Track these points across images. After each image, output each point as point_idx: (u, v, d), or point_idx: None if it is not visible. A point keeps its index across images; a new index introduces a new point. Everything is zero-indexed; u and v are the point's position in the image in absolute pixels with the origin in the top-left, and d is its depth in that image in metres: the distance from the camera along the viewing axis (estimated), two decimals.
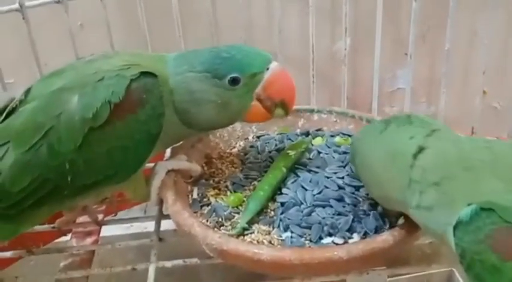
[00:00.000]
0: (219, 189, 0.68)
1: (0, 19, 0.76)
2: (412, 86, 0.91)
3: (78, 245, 0.76)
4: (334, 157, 0.69)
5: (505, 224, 0.44)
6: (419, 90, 1.01)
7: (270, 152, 0.72)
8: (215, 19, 0.87)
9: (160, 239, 0.69)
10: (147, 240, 0.70)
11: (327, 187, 0.64)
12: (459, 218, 0.46)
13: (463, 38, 0.96)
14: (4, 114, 0.62)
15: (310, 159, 0.69)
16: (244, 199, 0.65)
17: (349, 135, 0.74)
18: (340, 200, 0.62)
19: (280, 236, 0.60)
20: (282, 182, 0.66)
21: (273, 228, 0.61)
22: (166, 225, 0.72)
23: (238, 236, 0.60)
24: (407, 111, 0.62)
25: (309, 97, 0.91)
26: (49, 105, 0.59)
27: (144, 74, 0.61)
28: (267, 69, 0.63)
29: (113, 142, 0.59)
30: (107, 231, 0.86)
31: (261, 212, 0.63)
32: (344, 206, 0.62)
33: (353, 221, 0.60)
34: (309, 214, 0.61)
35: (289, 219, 0.61)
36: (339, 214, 0.61)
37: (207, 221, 0.63)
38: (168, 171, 0.67)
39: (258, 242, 0.59)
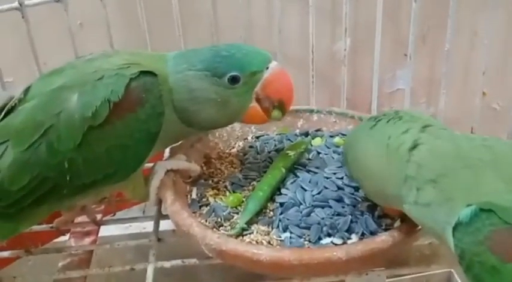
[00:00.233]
0: (218, 190, 0.68)
1: (0, 18, 0.75)
2: (411, 86, 0.91)
3: (76, 245, 0.76)
4: (333, 157, 0.69)
5: (505, 225, 0.43)
6: (418, 90, 1.01)
7: (269, 152, 0.72)
8: (215, 19, 0.87)
9: (159, 239, 0.69)
10: (146, 240, 0.70)
11: (326, 187, 0.64)
12: (459, 219, 0.46)
13: (463, 39, 0.96)
14: (3, 113, 0.62)
15: (309, 159, 0.69)
16: (244, 199, 0.65)
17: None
18: (339, 200, 0.62)
19: (279, 237, 0.60)
20: (281, 183, 0.66)
21: (272, 228, 0.61)
22: (165, 225, 0.72)
23: (237, 236, 0.60)
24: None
25: (309, 97, 0.91)
26: (48, 104, 0.59)
27: (144, 73, 0.61)
28: (267, 68, 0.63)
29: (112, 141, 0.59)
30: (105, 231, 0.86)
31: (260, 212, 0.63)
32: (343, 207, 0.62)
33: (352, 221, 0.60)
34: (308, 214, 0.61)
35: (288, 219, 0.61)
36: (338, 214, 0.61)
37: (206, 221, 0.63)
38: (167, 171, 0.67)
39: (257, 242, 0.59)
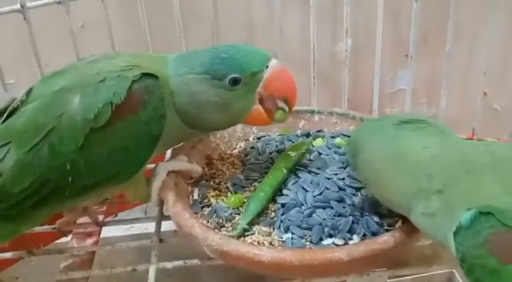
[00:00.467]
0: (220, 190, 0.68)
1: (2, 20, 0.76)
2: (412, 87, 0.91)
3: (78, 245, 0.76)
4: (334, 158, 0.69)
5: (504, 228, 0.44)
6: (420, 91, 1.01)
7: (270, 153, 0.72)
8: (216, 19, 0.87)
9: (160, 240, 0.69)
10: (148, 241, 0.70)
11: (327, 188, 0.64)
12: (460, 223, 0.46)
13: (463, 39, 0.96)
14: (5, 115, 0.62)
15: (310, 160, 0.69)
16: (245, 200, 0.65)
17: (350, 136, 0.74)
18: (340, 201, 0.62)
19: (281, 237, 0.60)
20: (283, 183, 0.66)
21: (274, 229, 0.61)
22: (166, 226, 0.72)
23: (238, 237, 0.60)
24: (417, 113, 0.61)
25: (310, 98, 0.91)
26: (50, 106, 0.59)
27: (146, 75, 0.61)
28: (267, 67, 0.63)
29: (114, 143, 0.59)
30: (107, 232, 0.86)
31: (262, 213, 0.63)
32: (344, 207, 0.62)
33: (353, 222, 0.60)
34: (310, 215, 0.61)
35: (289, 220, 0.61)
36: (340, 215, 0.61)
37: (208, 222, 0.63)
38: (169, 172, 0.67)
39: (258, 243, 0.59)
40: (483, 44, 0.86)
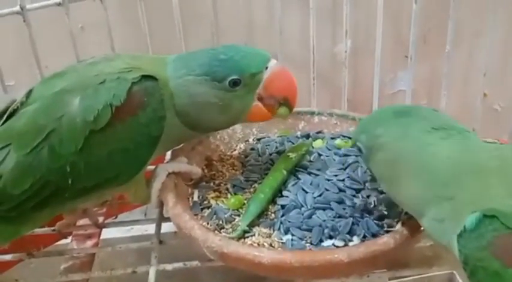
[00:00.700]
0: (220, 192, 0.68)
1: (1, 22, 0.76)
2: (412, 87, 0.91)
3: (78, 247, 0.76)
4: (334, 160, 0.69)
5: (507, 231, 0.44)
6: (420, 92, 1.01)
7: (270, 154, 0.72)
8: (216, 20, 0.87)
9: (160, 242, 0.69)
10: (148, 243, 0.70)
11: (327, 189, 0.64)
12: (464, 226, 0.46)
13: (463, 40, 0.96)
14: (5, 116, 0.62)
15: (310, 161, 0.69)
16: (245, 201, 0.65)
17: (350, 138, 0.74)
18: (340, 202, 0.62)
19: (281, 239, 0.60)
20: (283, 185, 0.66)
21: (274, 230, 0.61)
22: (166, 227, 0.72)
23: (238, 238, 0.60)
24: (445, 116, 0.58)
25: (310, 99, 0.91)
26: (50, 108, 0.59)
27: (145, 77, 0.61)
28: (266, 68, 0.62)
29: (114, 145, 0.59)
30: (107, 233, 0.86)
31: (262, 214, 0.63)
32: (344, 209, 0.62)
33: (353, 223, 0.60)
34: (310, 217, 0.61)
35: (289, 221, 0.61)
36: (340, 217, 0.61)
37: (208, 223, 0.63)
38: (169, 173, 0.67)
39: (258, 244, 0.59)
40: (483, 44, 0.86)
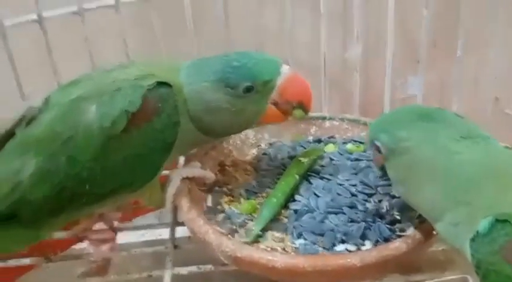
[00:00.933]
0: (233, 197, 0.68)
1: (19, 29, 0.78)
2: (423, 92, 0.91)
3: (94, 251, 0.77)
4: (346, 164, 0.69)
5: None
6: (430, 96, 1.00)
7: (282, 159, 0.73)
8: (227, 25, 0.88)
9: (175, 246, 0.70)
10: (162, 247, 0.71)
11: (339, 194, 0.64)
12: (477, 230, 0.47)
13: (474, 44, 0.96)
14: (24, 124, 0.63)
15: (322, 166, 0.70)
16: (258, 206, 0.66)
17: (361, 142, 0.75)
18: (352, 207, 0.63)
19: (294, 243, 0.60)
20: (295, 189, 0.66)
21: (287, 235, 0.62)
22: (180, 232, 0.72)
23: (252, 243, 0.61)
24: (471, 124, 0.58)
25: (321, 104, 0.91)
26: (67, 115, 0.60)
27: (160, 84, 0.62)
28: (279, 74, 0.63)
29: (129, 151, 0.60)
30: (122, 238, 0.87)
31: (275, 219, 0.64)
32: (356, 213, 0.62)
33: (365, 228, 0.60)
34: (322, 221, 0.62)
35: (302, 226, 0.62)
36: (352, 221, 0.61)
37: (221, 228, 0.64)
38: (183, 178, 0.68)
39: (271, 249, 0.60)
40: (494, 48, 0.86)
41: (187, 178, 0.68)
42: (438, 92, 1.01)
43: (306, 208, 0.63)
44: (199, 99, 0.63)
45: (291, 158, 0.73)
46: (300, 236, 0.61)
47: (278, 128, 0.77)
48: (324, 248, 0.59)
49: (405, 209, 0.62)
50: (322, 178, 0.68)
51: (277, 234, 0.62)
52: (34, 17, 0.77)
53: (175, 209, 0.72)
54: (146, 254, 0.74)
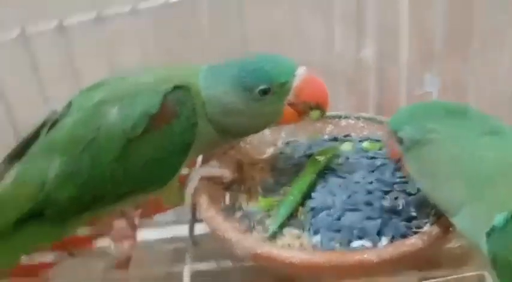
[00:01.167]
0: (251, 195, 0.70)
1: (43, 37, 0.80)
2: (440, 88, 0.90)
3: (115, 248, 0.79)
4: (362, 162, 0.70)
5: None
6: (447, 92, 1.00)
7: (299, 158, 0.74)
8: (243, 28, 0.89)
9: (194, 243, 0.72)
10: (182, 244, 0.72)
11: (355, 192, 0.65)
12: (493, 225, 0.47)
13: (489, 40, 0.95)
14: (47, 127, 0.66)
15: (338, 164, 0.70)
16: (275, 204, 0.67)
17: (377, 141, 0.75)
18: (369, 204, 0.63)
19: (311, 240, 0.61)
20: (312, 187, 0.67)
21: (304, 231, 0.63)
22: (199, 229, 0.74)
23: (270, 239, 0.62)
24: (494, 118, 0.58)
25: (336, 104, 0.91)
26: (90, 118, 0.63)
27: (178, 87, 0.64)
28: (295, 76, 0.64)
29: (150, 152, 0.62)
30: (142, 234, 0.89)
31: (292, 216, 0.65)
32: (373, 210, 0.63)
33: (382, 224, 0.61)
34: (339, 218, 0.62)
35: (319, 223, 0.62)
36: (368, 218, 0.62)
37: (240, 225, 0.65)
38: (201, 177, 0.69)
39: (289, 245, 0.61)
40: (509, 44, 0.85)
41: (206, 177, 0.70)
42: (454, 88, 1.01)
43: (323, 205, 0.64)
44: (217, 102, 0.65)
45: (308, 156, 0.73)
46: (316, 232, 0.62)
47: (294, 127, 0.78)
48: (340, 244, 0.60)
49: (421, 206, 0.63)
50: (338, 176, 0.68)
51: (295, 231, 0.63)
52: (55, 24, 0.80)
53: (194, 207, 0.73)
54: (166, 250, 0.76)
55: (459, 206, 0.53)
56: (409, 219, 0.62)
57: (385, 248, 0.57)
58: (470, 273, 0.96)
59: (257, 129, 0.69)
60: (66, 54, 0.81)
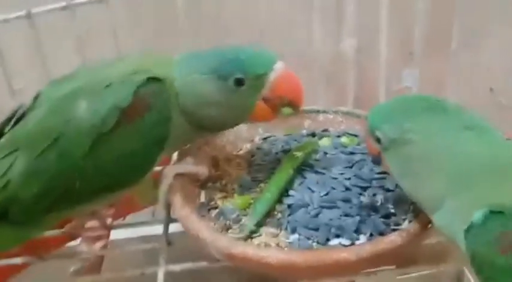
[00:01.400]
0: (226, 192, 0.68)
1: (9, 26, 0.77)
2: (418, 83, 0.90)
3: (87, 249, 0.77)
4: (340, 158, 0.69)
5: None
6: (426, 87, 1.00)
7: (276, 153, 0.73)
8: (222, 19, 0.87)
9: (168, 243, 0.69)
10: (156, 244, 0.70)
11: (333, 188, 0.64)
12: (472, 222, 0.46)
13: (469, 36, 0.95)
14: (13, 121, 0.63)
15: (316, 160, 0.69)
16: (252, 201, 0.65)
17: (356, 135, 0.74)
18: (347, 201, 0.62)
19: (288, 239, 0.60)
20: (289, 184, 0.66)
21: (281, 230, 0.61)
22: (174, 228, 0.72)
23: (246, 239, 0.60)
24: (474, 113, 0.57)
25: (315, 98, 0.91)
26: (58, 111, 0.60)
27: (151, 79, 0.61)
28: (272, 70, 0.62)
29: (121, 147, 0.60)
30: (115, 235, 0.86)
31: (269, 214, 0.63)
32: (351, 207, 0.62)
33: (360, 222, 0.60)
34: (316, 216, 0.61)
35: (296, 221, 0.61)
36: (346, 215, 0.61)
37: (215, 224, 0.63)
38: (176, 174, 0.67)
39: (265, 244, 0.59)
40: (488, 40, 0.86)
41: (180, 174, 0.68)
42: (433, 83, 1.01)
43: (300, 203, 0.63)
44: (190, 92, 0.62)
45: (285, 152, 0.72)
46: (294, 231, 0.60)
47: (272, 122, 0.76)
48: (318, 242, 0.59)
49: (400, 202, 0.62)
50: (316, 172, 0.67)
51: (271, 230, 0.61)
52: (23, 13, 0.76)
53: (168, 206, 0.71)
54: (139, 251, 0.74)
55: (439, 203, 0.52)
56: (388, 216, 0.61)
57: (363, 246, 0.56)
58: (450, 269, 0.96)
59: (230, 124, 0.67)
60: (34, 45, 0.77)
